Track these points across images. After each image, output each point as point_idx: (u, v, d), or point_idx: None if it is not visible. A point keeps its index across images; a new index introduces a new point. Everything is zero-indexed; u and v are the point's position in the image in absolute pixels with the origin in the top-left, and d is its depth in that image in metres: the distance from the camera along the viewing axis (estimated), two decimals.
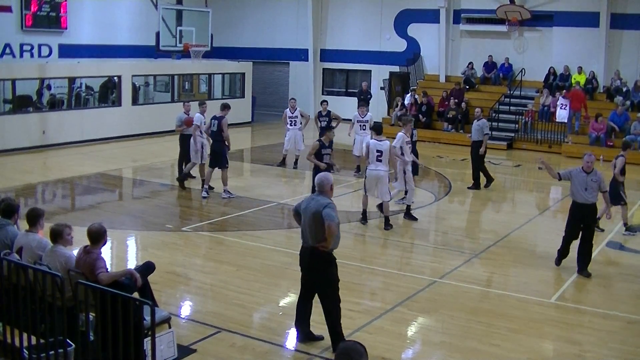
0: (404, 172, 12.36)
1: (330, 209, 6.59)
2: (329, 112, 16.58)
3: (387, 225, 11.76)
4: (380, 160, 11.56)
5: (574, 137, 20.92)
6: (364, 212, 12.06)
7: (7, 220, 7.13)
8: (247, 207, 13.04)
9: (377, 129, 12.44)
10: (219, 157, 13.47)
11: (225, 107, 13.66)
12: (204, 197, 13.51)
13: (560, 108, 21.14)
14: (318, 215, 6.62)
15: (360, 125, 16.04)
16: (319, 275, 6.83)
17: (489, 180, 15.52)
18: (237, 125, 23.61)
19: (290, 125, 16.94)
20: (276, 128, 17.92)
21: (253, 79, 26.31)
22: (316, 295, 7.00)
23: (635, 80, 21.51)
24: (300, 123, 16.95)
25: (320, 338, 7.07)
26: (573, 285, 9.33)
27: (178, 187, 14.26)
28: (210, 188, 13.76)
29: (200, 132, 13.85)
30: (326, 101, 17.14)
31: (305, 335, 7.11)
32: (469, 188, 15.44)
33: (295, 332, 7.18)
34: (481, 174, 15.39)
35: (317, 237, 6.67)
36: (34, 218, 6.94)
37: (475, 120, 15.58)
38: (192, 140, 13.87)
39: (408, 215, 12.55)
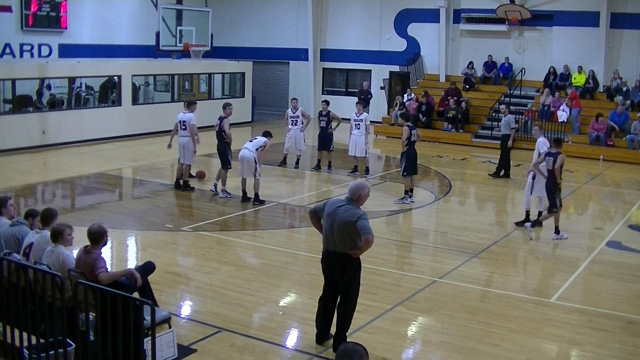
0: (533, 178, 12.00)
1: (365, 220, 6.53)
2: (329, 112, 16.56)
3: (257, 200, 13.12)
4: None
5: (574, 137, 20.92)
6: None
7: (24, 220, 7.43)
8: (247, 207, 13.04)
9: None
10: (222, 157, 13.58)
11: (225, 107, 13.87)
12: (222, 197, 13.52)
13: (561, 111, 21.19)
14: (351, 225, 6.53)
15: (355, 125, 16.02)
16: (347, 279, 6.76)
17: (507, 173, 16.48)
18: (237, 125, 23.62)
19: (292, 125, 16.96)
20: (276, 128, 17.92)
21: (253, 79, 26.32)
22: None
23: (635, 80, 21.52)
24: (302, 123, 16.95)
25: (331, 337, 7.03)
26: (573, 285, 9.33)
27: (182, 189, 14.18)
28: (224, 192, 13.67)
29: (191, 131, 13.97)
30: (327, 101, 17.09)
31: (324, 339, 7.02)
32: (501, 176, 16.42)
33: (316, 337, 7.05)
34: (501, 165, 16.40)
35: (348, 245, 6.61)
36: (47, 217, 7.08)
37: (503, 116, 16.48)
38: (188, 141, 13.94)
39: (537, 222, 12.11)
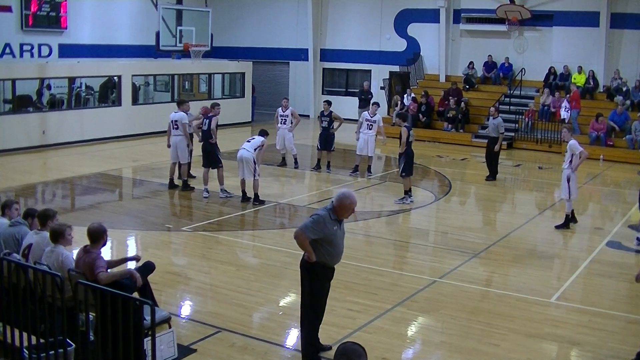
0: (568, 180, 11.90)
1: (311, 218, 6.29)
2: (331, 112, 16.57)
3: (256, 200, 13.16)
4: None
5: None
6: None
7: (23, 220, 7.45)
8: (247, 207, 13.04)
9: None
10: (210, 156, 13.52)
11: (214, 106, 13.79)
12: (221, 197, 13.48)
13: (564, 110, 21.22)
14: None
15: (367, 125, 16.05)
16: (301, 283, 6.60)
17: (494, 176, 16.27)
18: (237, 125, 23.65)
19: (281, 124, 16.99)
20: (272, 127, 17.92)
21: (253, 79, 26.32)
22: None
23: (635, 80, 21.52)
24: (291, 123, 16.95)
25: (328, 348, 6.81)
26: (573, 285, 9.33)
27: (180, 189, 14.19)
28: (223, 192, 13.66)
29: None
30: (329, 101, 17.09)
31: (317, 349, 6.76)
32: (486, 179, 16.29)
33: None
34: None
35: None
36: (45, 218, 7.09)
37: (491, 118, 16.22)
38: (181, 140, 13.98)
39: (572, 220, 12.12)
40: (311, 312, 6.56)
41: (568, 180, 11.89)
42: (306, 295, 6.54)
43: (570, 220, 12.11)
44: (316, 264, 6.38)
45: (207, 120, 13.48)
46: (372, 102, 16.96)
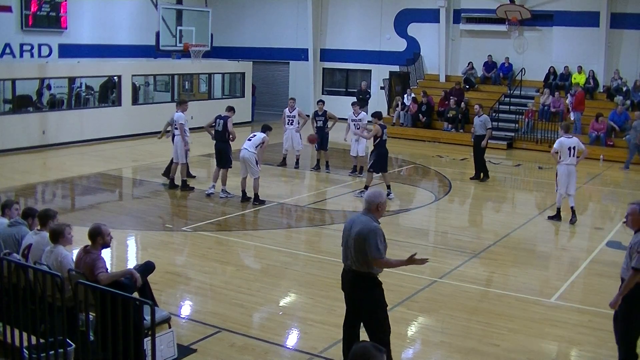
0: (555, 175, 12.40)
1: (373, 235, 5.83)
2: (325, 111, 16.60)
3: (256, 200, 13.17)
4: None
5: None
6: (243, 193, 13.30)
7: (23, 220, 7.45)
8: (247, 207, 13.04)
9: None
10: (223, 155, 13.54)
11: (231, 109, 13.88)
12: (208, 195, 13.53)
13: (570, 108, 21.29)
14: (361, 239, 5.90)
15: (354, 125, 16.03)
16: (363, 298, 6.12)
17: (486, 175, 16.15)
18: (237, 125, 23.59)
19: (288, 124, 17.01)
20: (276, 127, 17.91)
21: (253, 79, 26.32)
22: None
23: (635, 80, 21.53)
24: (298, 123, 16.99)
25: None
26: (573, 285, 9.33)
27: (180, 189, 14.18)
28: (224, 192, 13.73)
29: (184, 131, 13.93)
30: (322, 101, 17.17)
31: None
32: (471, 179, 16.20)
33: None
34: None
35: (359, 261, 5.98)
36: (45, 219, 7.10)
37: (477, 116, 16.04)
38: (176, 140, 13.98)
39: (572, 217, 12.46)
40: (388, 328, 6.20)
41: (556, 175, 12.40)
42: (381, 316, 6.14)
43: (557, 215, 12.54)
44: (378, 280, 6.10)
45: (222, 121, 13.50)
46: (352, 103, 16.65)
